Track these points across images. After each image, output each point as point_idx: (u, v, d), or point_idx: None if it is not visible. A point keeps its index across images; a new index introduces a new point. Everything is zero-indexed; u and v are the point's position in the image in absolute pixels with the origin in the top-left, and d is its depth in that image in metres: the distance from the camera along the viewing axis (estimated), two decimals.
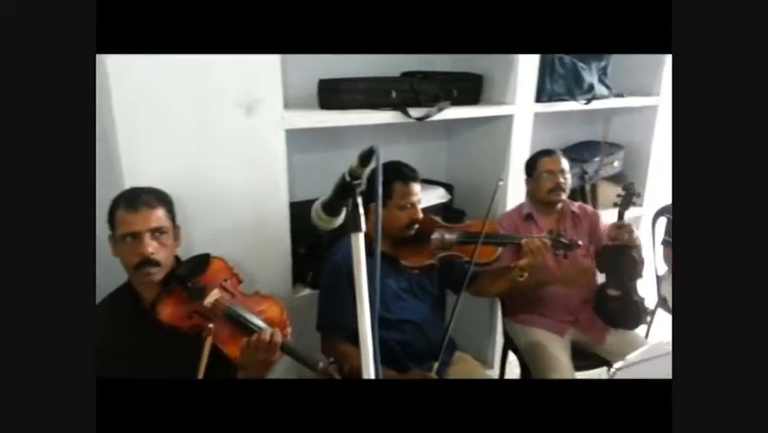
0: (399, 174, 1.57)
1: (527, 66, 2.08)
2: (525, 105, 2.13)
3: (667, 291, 2.37)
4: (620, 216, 1.84)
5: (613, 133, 2.76)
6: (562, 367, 1.78)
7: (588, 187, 2.62)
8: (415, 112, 1.81)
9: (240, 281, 1.35)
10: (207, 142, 1.48)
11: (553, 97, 2.23)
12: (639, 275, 1.86)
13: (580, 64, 2.28)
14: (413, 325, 1.63)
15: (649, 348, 1.15)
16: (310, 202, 0.92)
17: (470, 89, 2.07)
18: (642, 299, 1.88)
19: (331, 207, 0.87)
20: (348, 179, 0.82)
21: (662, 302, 2.43)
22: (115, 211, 1.21)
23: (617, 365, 1.07)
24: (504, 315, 2.08)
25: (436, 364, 1.51)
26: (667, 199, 2.37)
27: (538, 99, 2.18)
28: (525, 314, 1.96)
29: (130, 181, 1.34)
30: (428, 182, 2.16)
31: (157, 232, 1.21)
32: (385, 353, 1.54)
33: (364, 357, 0.80)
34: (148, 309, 1.25)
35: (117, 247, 1.22)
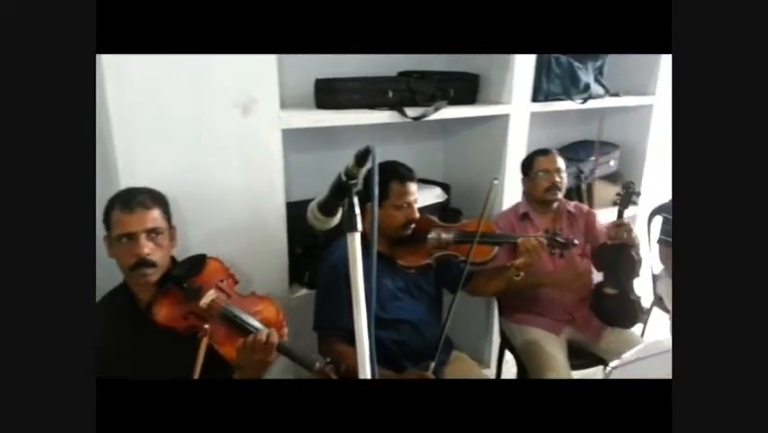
0: (396, 174, 1.57)
1: (524, 66, 2.08)
2: (521, 105, 2.13)
3: (663, 290, 2.38)
4: (620, 214, 1.84)
5: (608, 133, 2.76)
6: (559, 366, 1.78)
7: (584, 186, 2.63)
8: (411, 111, 1.81)
9: (236, 282, 1.35)
10: (203, 142, 1.48)
11: (549, 97, 2.23)
12: (636, 274, 1.87)
13: (577, 64, 2.28)
14: (410, 324, 1.63)
15: (645, 347, 1.16)
16: (307, 202, 0.92)
17: (466, 89, 2.07)
18: (638, 298, 1.89)
19: (327, 207, 0.87)
20: (344, 178, 0.82)
21: (657, 301, 2.44)
22: (111, 212, 1.20)
23: (612, 364, 1.07)
24: (500, 314, 2.08)
25: (433, 364, 1.51)
26: (663, 198, 2.37)
27: (534, 99, 2.19)
28: (521, 313, 1.97)
29: (125, 181, 1.33)
30: (425, 182, 2.16)
31: (153, 233, 1.21)
32: (382, 352, 1.54)
33: (360, 357, 0.80)
34: (144, 310, 1.24)
35: (113, 248, 1.22)
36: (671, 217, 2.24)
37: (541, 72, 2.17)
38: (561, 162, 1.94)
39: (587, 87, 2.34)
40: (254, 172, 1.58)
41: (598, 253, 1.89)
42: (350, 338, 0.82)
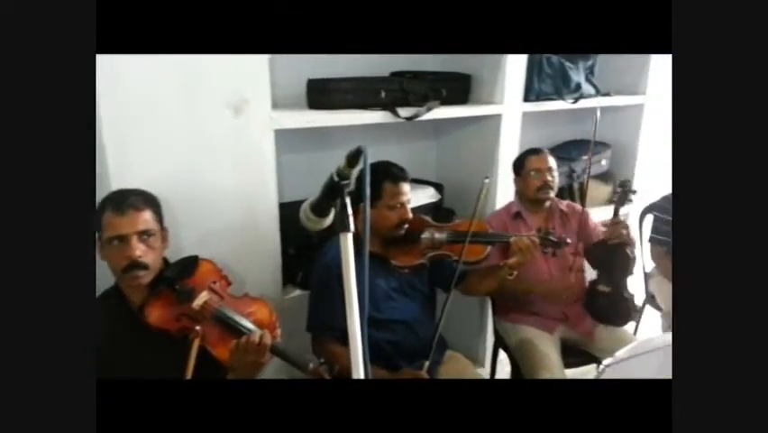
0: (389, 174, 1.57)
1: (515, 66, 2.09)
2: (513, 105, 2.14)
3: (655, 288, 2.40)
4: (615, 212, 1.85)
5: (599, 132, 2.78)
6: (552, 365, 1.79)
7: (576, 185, 2.64)
8: (404, 112, 1.81)
9: (229, 283, 1.34)
10: (195, 143, 1.47)
11: (540, 97, 2.24)
12: (630, 272, 1.88)
13: (568, 63, 2.29)
14: (404, 324, 1.63)
15: (638, 344, 1.16)
16: (300, 203, 0.91)
17: (458, 89, 2.08)
18: (632, 296, 1.90)
19: (319, 208, 0.87)
20: (336, 179, 0.82)
21: (650, 299, 2.46)
22: (102, 214, 1.19)
23: (606, 362, 1.08)
24: (494, 313, 2.09)
25: (427, 363, 1.51)
26: (654, 197, 2.39)
27: (526, 99, 2.20)
28: (515, 312, 1.97)
29: (117, 183, 1.33)
30: (418, 182, 2.17)
31: (144, 234, 1.20)
32: (376, 352, 1.55)
33: (354, 357, 0.80)
34: (136, 312, 1.23)
35: (104, 250, 1.21)
36: (662, 216, 2.25)
37: (532, 72, 2.18)
38: (552, 162, 1.95)
39: (578, 86, 2.35)
40: (246, 173, 1.58)
41: (592, 250, 1.90)
42: (343, 338, 0.82)
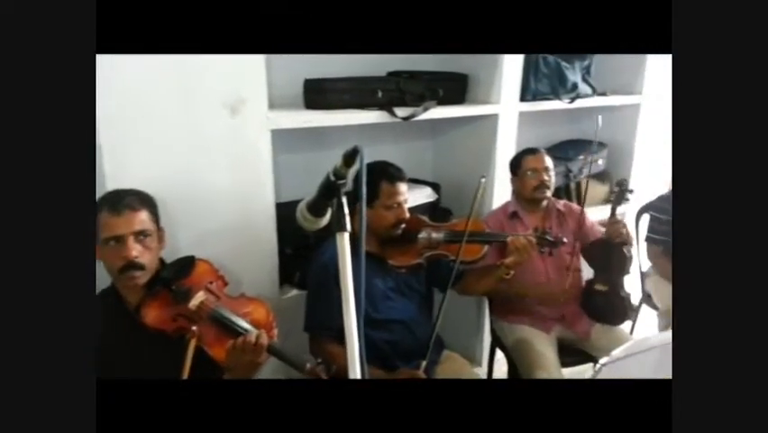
0: (386, 174, 1.57)
1: (512, 65, 2.09)
2: (509, 105, 2.14)
3: (651, 288, 2.41)
4: (613, 212, 1.86)
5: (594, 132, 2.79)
6: (549, 364, 1.80)
7: (572, 185, 2.65)
8: (401, 111, 1.81)
9: (225, 283, 1.34)
10: (192, 143, 1.47)
11: (537, 96, 2.25)
12: (627, 271, 1.89)
13: (564, 63, 2.30)
14: (401, 324, 1.63)
15: (634, 343, 1.16)
16: (297, 202, 0.91)
17: (455, 89, 2.08)
18: (628, 295, 1.91)
19: (316, 208, 0.87)
20: (332, 178, 0.82)
21: (646, 298, 2.47)
22: (98, 214, 1.19)
23: (602, 361, 1.08)
24: (491, 313, 2.09)
25: (424, 363, 1.51)
26: (650, 197, 2.40)
27: (523, 98, 2.20)
28: (511, 312, 1.97)
29: (113, 183, 1.32)
30: (415, 182, 2.17)
31: (141, 235, 1.20)
32: (374, 352, 1.55)
33: (350, 357, 0.80)
34: (132, 313, 1.23)
35: (100, 251, 1.20)
36: (658, 216, 2.26)
37: (529, 72, 2.19)
38: (548, 161, 1.95)
39: (574, 86, 2.36)
40: (243, 173, 1.57)
41: (589, 249, 1.91)
42: (341, 338, 0.82)
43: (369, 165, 0.80)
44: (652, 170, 2.89)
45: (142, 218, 1.21)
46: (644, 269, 2.46)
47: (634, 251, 1.95)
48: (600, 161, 2.75)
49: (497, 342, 2.05)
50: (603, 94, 2.54)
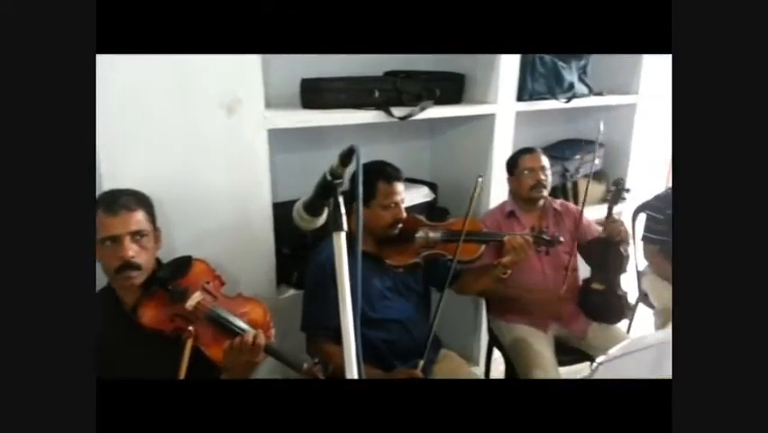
0: (383, 173, 1.57)
1: (509, 65, 2.10)
2: (506, 104, 2.15)
3: (648, 287, 2.41)
4: (609, 211, 1.87)
5: (593, 131, 2.79)
6: (546, 363, 1.80)
7: (569, 184, 2.65)
8: (398, 111, 1.81)
9: (222, 283, 1.34)
10: (188, 143, 1.46)
11: (534, 96, 2.25)
12: (624, 270, 1.89)
13: (561, 63, 2.30)
14: (398, 323, 1.63)
15: (630, 342, 1.17)
16: (293, 202, 0.91)
17: (452, 89, 2.08)
18: (625, 294, 1.92)
19: (312, 207, 0.87)
20: (329, 178, 0.82)
21: (642, 297, 2.48)
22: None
23: (599, 360, 1.08)
24: (488, 312, 2.10)
25: (422, 362, 1.51)
26: (646, 196, 2.41)
27: (519, 98, 2.20)
28: (508, 311, 1.98)
29: (109, 183, 1.32)
30: (412, 181, 2.17)
31: (137, 235, 1.19)
32: (371, 352, 1.55)
33: (347, 357, 0.80)
34: (129, 313, 1.23)
35: (97, 251, 1.20)
36: (655, 215, 2.27)
37: (525, 72, 2.19)
38: (545, 160, 1.96)
39: (571, 86, 2.36)
40: (240, 173, 1.57)
41: (587, 247, 1.91)
42: (338, 338, 0.82)
43: (365, 165, 0.80)
44: (648, 170, 2.90)
45: (139, 218, 1.20)
46: (641, 268, 2.47)
47: (630, 250, 1.95)
48: (597, 161, 2.76)
49: (494, 341, 2.06)
50: (600, 94, 2.55)
